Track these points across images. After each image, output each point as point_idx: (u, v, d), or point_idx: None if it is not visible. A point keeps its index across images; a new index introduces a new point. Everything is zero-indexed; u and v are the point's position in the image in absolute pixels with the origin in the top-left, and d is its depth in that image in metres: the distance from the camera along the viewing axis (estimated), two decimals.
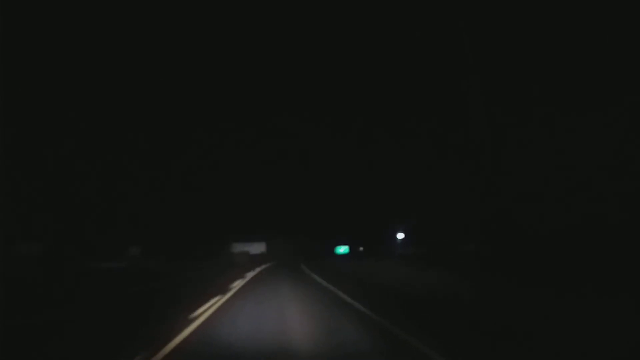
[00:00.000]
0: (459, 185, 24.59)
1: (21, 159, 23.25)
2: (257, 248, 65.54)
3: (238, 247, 62.28)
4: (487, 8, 17.57)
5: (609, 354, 5.33)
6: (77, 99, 29.89)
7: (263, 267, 34.56)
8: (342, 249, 65.79)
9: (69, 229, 28.52)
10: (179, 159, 46.02)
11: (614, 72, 13.78)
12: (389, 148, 39.64)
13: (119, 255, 35.97)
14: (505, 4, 16.98)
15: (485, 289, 12.00)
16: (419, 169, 34.27)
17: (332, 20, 30.66)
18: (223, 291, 14.91)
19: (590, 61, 14.40)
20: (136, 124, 36.73)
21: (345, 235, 65.66)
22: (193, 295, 13.93)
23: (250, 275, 23.15)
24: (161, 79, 37.02)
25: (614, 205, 13.43)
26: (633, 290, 7.96)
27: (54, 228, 26.70)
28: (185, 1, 33.93)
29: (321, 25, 32.61)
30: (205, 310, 10.36)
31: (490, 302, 10.02)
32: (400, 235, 54.14)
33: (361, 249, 64.54)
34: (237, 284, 17.79)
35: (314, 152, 59.44)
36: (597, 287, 8.88)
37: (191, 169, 48.60)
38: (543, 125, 15.91)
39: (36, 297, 15.12)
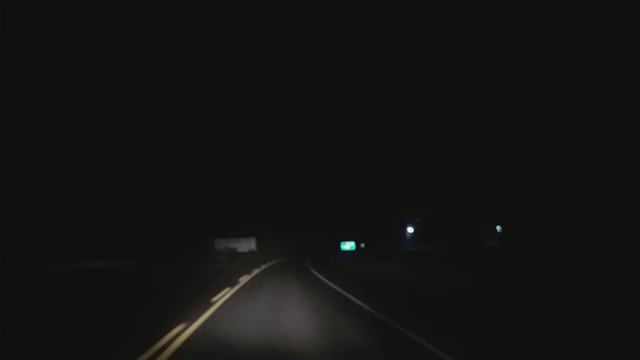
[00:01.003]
0: (474, 176, 23.65)
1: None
2: (246, 245, 54.41)
3: (222, 244, 51.80)
4: (487, 8, 17.59)
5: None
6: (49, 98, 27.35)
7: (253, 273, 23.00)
8: (348, 246, 60.24)
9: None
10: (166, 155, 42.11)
11: (614, 71, 13.81)
12: (396, 138, 37.71)
13: None
14: (505, 3, 16.96)
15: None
16: (429, 158, 32.79)
17: (332, 20, 30.31)
18: None
19: (590, 61, 14.40)
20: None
21: (349, 229, 61.02)
22: None
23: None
24: (144, 76, 34.92)
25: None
26: None
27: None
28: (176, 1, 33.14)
29: (321, 22, 31.54)
30: None
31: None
32: (409, 230, 51.42)
33: (362, 245, 60.38)
34: None
35: (314, 144, 56.92)
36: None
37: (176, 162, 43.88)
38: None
39: None
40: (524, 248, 17.78)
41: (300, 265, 30.62)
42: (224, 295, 12.17)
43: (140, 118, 36.88)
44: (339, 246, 59.64)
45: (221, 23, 41.99)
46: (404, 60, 25.01)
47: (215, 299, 11.24)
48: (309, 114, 48.21)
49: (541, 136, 16.39)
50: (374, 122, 39.26)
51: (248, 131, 56.75)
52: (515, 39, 16.33)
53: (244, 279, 17.55)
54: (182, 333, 7.11)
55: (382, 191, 48.21)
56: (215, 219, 51.52)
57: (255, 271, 23.09)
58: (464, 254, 26.85)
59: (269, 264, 32.52)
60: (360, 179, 52.29)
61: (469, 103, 19.57)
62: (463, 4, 18.44)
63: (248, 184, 60.51)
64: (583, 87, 14.61)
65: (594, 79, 14.24)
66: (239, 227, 54.87)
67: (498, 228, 42.77)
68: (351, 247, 59.86)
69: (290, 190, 64.16)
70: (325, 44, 36.93)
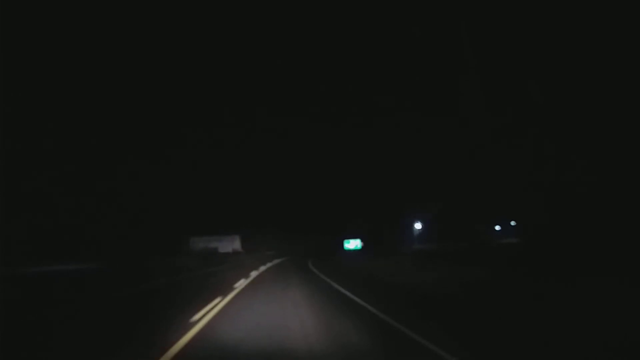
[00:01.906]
0: (480, 173, 23.60)
1: None
2: (228, 245, 46.65)
3: (200, 244, 44.55)
4: (488, 8, 17.70)
5: None
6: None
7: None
8: (353, 244, 54.56)
9: None
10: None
11: (613, 71, 13.96)
12: (397, 137, 36.80)
13: None
14: (505, 3, 17.11)
15: None
16: (435, 155, 31.87)
17: (335, 18, 30.86)
18: None
19: (589, 60, 14.56)
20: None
21: (353, 227, 56.66)
22: None
23: None
24: (119, 73, 33.82)
25: None
26: None
27: None
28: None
29: (323, 21, 31.89)
30: None
31: None
32: (417, 226, 47.73)
33: (362, 244, 56.04)
34: None
35: (314, 140, 54.94)
36: None
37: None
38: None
39: None
40: (546, 245, 16.90)
41: (304, 270, 24.62)
42: None
43: (122, 114, 35.32)
44: (343, 245, 54.87)
45: (212, 22, 40.77)
46: (404, 57, 25.15)
47: None
48: (309, 111, 47.51)
49: (540, 135, 16.39)
50: (376, 120, 38.61)
51: (246, 127, 54.28)
52: (515, 38, 16.34)
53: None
54: None
55: (387, 187, 46.19)
56: (198, 217, 45.82)
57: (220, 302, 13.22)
58: (484, 252, 24.95)
59: (253, 275, 22.64)
60: (364, 175, 49.98)
61: (469, 102, 19.49)
62: (463, 4, 18.51)
63: (240, 179, 57.36)
64: (584, 85, 14.67)
65: (594, 78, 14.27)
66: (236, 226, 48.88)
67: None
68: (356, 245, 54.61)
69: (287, 187, 60.97)
70: (326, 40, 36.16)
